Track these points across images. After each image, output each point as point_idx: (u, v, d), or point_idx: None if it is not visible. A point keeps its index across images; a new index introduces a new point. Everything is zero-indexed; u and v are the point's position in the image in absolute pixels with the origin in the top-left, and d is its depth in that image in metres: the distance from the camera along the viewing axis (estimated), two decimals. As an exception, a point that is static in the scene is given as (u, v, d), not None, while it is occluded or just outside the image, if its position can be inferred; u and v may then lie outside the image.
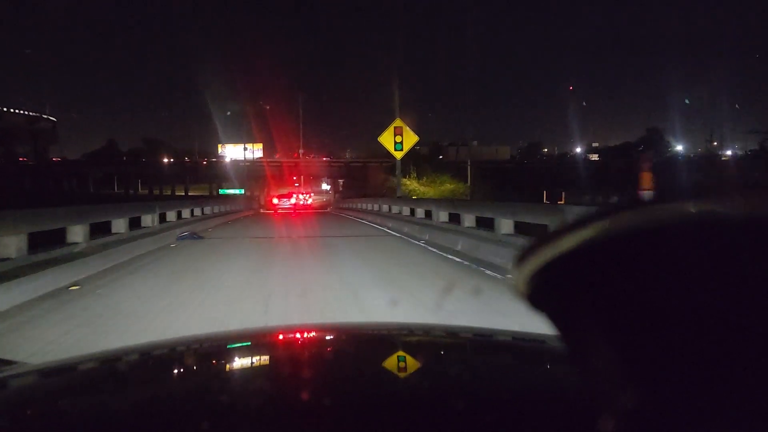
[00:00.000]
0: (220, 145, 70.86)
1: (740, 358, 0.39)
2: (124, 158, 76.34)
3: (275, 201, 37.61)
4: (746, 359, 0.39)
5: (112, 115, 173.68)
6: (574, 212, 7.22)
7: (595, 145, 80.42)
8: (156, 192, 63.26)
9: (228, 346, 1.24)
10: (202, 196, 48.24)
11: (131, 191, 66.41)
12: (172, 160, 70.00)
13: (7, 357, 1.28)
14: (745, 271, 0.39)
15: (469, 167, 41.11)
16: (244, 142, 70.21)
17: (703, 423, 0.41)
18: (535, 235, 0.51)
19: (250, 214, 29.37)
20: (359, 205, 28.65)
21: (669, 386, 0.43)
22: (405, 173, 39.70)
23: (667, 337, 0.42)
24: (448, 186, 41.68)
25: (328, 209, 39.13)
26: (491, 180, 43.73)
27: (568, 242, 0.45)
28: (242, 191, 55.16)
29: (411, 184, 41.08)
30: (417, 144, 27.01)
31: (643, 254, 0.43)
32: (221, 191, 57.80)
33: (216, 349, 1.22)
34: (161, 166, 67.19)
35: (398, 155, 21.49)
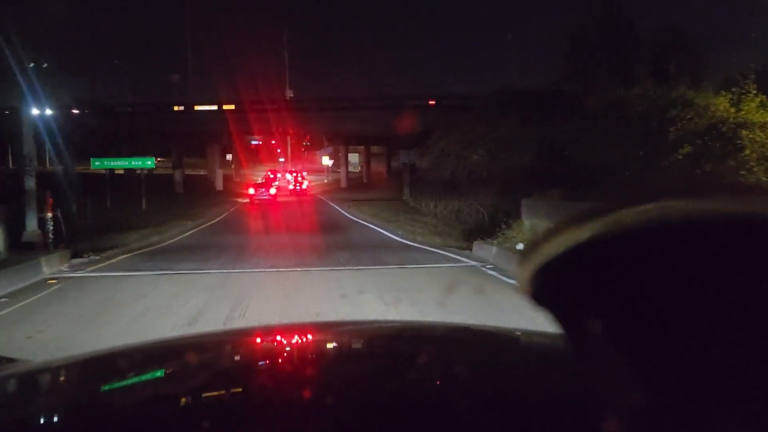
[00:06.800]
0: (175, 108, 50.42)
1: (742, 358, 0.39)
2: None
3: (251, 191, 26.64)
4: (748, 359, 0.39)
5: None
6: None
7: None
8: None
9: (228, 346, 1.25)
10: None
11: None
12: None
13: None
14: (747, 271, 0.39)
15: None
16: (211, 103, 49.47)
17: (705, 422, 0.41)
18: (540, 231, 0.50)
19: None
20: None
21: (672, 386, 0.43)
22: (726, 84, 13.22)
23: (671, 337, 0.42)
24: None
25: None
26: None
27: (572, 238, 0.45)
28: (152, 163, 25.84)
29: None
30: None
31: (647, 252, 0.43)
32: (95, 163, 25.99)
33: (215, 347, 1.22)
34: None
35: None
